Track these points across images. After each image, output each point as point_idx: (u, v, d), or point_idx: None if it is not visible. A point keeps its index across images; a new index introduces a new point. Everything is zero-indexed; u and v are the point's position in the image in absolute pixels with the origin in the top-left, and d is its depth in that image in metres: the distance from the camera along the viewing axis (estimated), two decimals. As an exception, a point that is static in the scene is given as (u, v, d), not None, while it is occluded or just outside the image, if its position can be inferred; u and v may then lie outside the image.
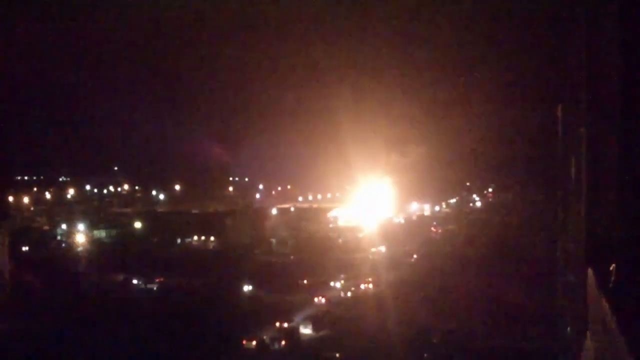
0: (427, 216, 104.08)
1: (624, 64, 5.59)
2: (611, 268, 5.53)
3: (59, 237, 70.97)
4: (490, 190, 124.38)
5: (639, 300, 5.40)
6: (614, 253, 5.67)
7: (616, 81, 5.82)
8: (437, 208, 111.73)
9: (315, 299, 46.08)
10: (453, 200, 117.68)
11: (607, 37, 6.08)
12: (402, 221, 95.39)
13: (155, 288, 55.81)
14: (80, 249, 66.99)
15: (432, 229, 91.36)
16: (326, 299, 51.71)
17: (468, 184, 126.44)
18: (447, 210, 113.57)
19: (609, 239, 5.79)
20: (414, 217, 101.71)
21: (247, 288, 54.23)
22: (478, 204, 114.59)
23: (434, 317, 42.97)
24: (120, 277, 56.63)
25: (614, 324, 5.00)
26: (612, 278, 5.48)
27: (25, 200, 79.27)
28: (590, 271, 6.08)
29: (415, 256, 68.36)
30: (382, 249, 71.25)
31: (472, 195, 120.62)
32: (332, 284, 56.14)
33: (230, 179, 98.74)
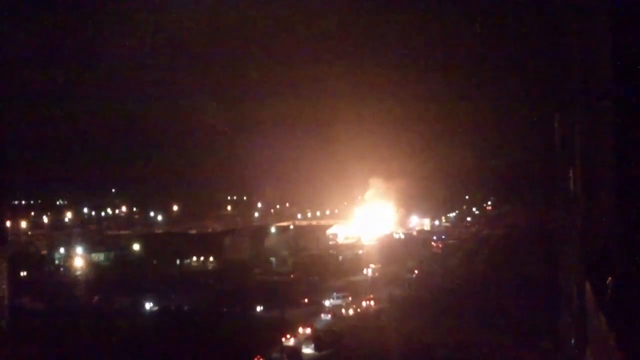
0: (427, 231, 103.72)
1: (617, 83, 5.50)
2: (608, 282, 5.39)
3: (57, 261, 70.59)
4: (489, 203, 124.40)
5: (635, 315, 5.26)
6: (612, 268, 5.52)
7: (610, 99, 5.72)
8: (437, 222, 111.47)
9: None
10: (453, 214, 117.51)
11: (600, 50, 5.98)
12: (402, 236, 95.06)
13: (155, 309, 55.37)
14: (78, 272, 66.59)
15: (433, 243, 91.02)
16: (331, 315, 51.40)
17: (467, 197, 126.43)
18: (447, 224, 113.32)
19: (606, 253, 5.64)
20: (414, 232, 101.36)
21: (249, 307, 53.79)
22: (478, 217, 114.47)
23: (437, 333, 42.56)
24: (120, 299, 56.18)
25: (612, 339, 4.89)
26: (609, 292, 5.33)
27: (24, 224, 79.02)
28: (588, 285, 5.93)
29: (416, 272, 67.93)
30: (383, 265, 70.81)
31: (471, 208, 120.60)
32: (332, 301, 55.68)
33: (229, 197, 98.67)
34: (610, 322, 5.11)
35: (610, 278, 5.30)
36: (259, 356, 40.35)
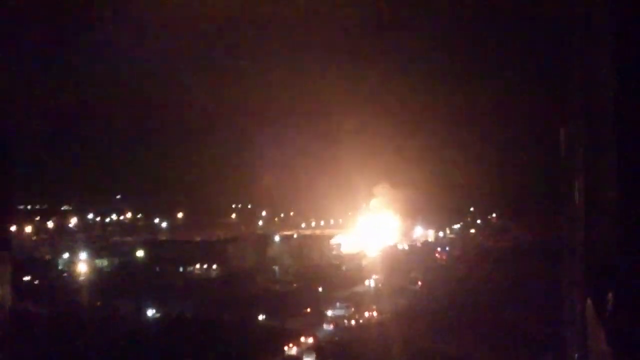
0: (431, 242, 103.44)
1: (619, 90, 5.48)
2: (609, 298, 5.34)
3: (61, 267, 70.69)
4: (494, 215, 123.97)
5: (636, 332, 5.20)
6: (613, 282, 5.48)
7: (612, 105, 5.70)
8: (441, 234, 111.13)
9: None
10: (457, 226, 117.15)
11: (603, 60, 5.95)
12: (406, 247, 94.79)
13: (158, 316, 55.37)
14: (82, 278, 66.64)
15: (437, 255, 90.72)
16: (333, 325, 51.32)
17: (472, 209, 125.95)
18: (452, 235, 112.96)
19: (607, 267, 5.60)
20: (419, 244, 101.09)
21: (251, 316, 53.76)
22: (482, 229, 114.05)
23: (440, 345, 42.40)
24: (123, 305, 56.19)
25: (610, 357, 4.86)
26: (609, 308, 5.29)
27: (28, 229, 79.16)
28: (589, 301, 5.89)
29: (420, 283, 67.75)
30: (386, 275, 70.66)
31: (476, 220, 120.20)
32: (335, 311, 55.58)
33: (233, 206, 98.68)
34: (609, 338, 5.08)
35: (610, 294, 5.26)
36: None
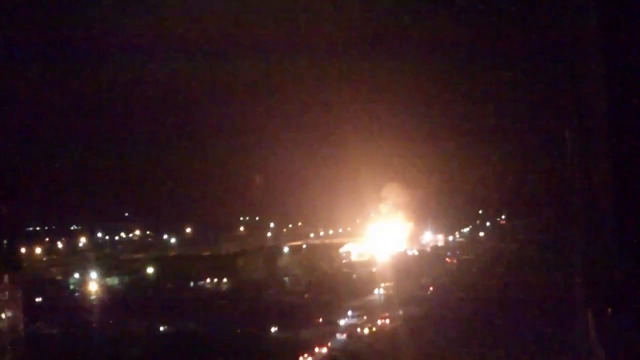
0: (441, 247, 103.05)
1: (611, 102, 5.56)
2: (608, 312, 5.37)
3: (72, 286, 70.89)
4: (503, 217, 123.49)
5: (632, 344, 5.24)
6: (612, 297, 5.51)
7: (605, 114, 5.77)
8: (450, 238, 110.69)
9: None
10: (466, 230, 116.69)
11: (596, 70, 6.02)
12: (416, 253, 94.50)
13: (170, 332, 55.39)
14: (93, 297, 66.80)
15: (447, 259, 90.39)
16: (346, 335, 51.22)
17: (481, 212, 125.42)
18: (461, 239, 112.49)
19: (607, 282, 5.63)
20: (428, 249, 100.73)
21: (263, 328, 53.69)
22: (491, 232, 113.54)
23: (453, 351, 42.19)
24: (134, 323, 56.23)
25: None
26: (608, 321, 5.32)
27: (38, 250, 79.49)
28: (589, 313, 5.93)
29: (431, 289, 67.52)
30: (397, 282, 70.45)
31: (485, 223, 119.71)
32: (348, 320, 55.46)
33: (241, 219, 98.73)
34: (607, 352, 5.13)
35: (609, 308, 5.28)
36: None
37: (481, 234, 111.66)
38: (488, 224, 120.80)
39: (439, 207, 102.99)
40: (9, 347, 46.63)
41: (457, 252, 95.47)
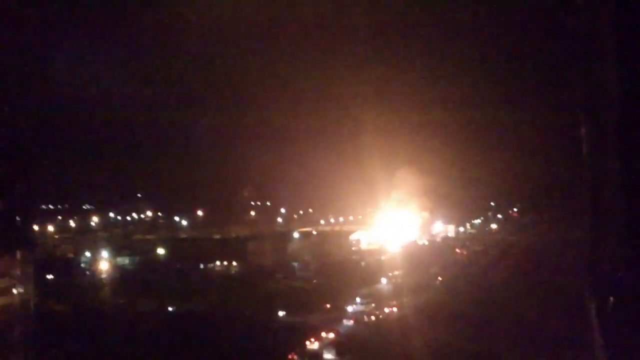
0: (451, 237, 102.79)
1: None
2: (610, 301, 5.37)
3: (83, 265, 71.54)
4: (515, 209, 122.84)
5: (630, 336, 5.25)
6: (615, 287, 5.51)
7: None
8: (461, 229, 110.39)
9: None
10: (478, 221, 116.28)
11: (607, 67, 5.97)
12: (426, 243, 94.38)
13: (179, 313, 55.74)
14: (104, 276, 67.41)
15: (457, 250, 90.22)
16: (354, 321, 51.32)
17: (492, 203, 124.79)
18: (472, 231, 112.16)
19: (611, 272, 5.62)
20: (438, 239, 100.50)
21: (271, 312, 53.94)
22: (503, 224, 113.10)
23: (460, 341, 42.19)
24: (145, 302, 56.64)
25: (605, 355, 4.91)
26: (609, 312, 5.32)
27: (51, 228, 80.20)
28: (593, 303, 5.92)
29: (440, 279, 67.45)
30: (406, 271, 70.41)
31: (497, 215, 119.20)
32: (356, 307, 55.55)
33: (252, 203, 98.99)
34: (606, 343, 5.17)
35: (611, 298, 5.32)
36: (293, 353, 40.61)
37: (493, 226, 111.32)
38: (500, 216, 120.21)
39: (450, 198, 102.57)
40: (19, 323, 47.16)
41: (467, 244, 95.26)
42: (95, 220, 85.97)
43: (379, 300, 57.55)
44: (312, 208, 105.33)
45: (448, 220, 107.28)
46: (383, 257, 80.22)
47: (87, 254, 73.17)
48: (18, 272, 49.33)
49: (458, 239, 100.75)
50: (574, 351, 32.35)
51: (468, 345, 40.75)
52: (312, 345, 43.46)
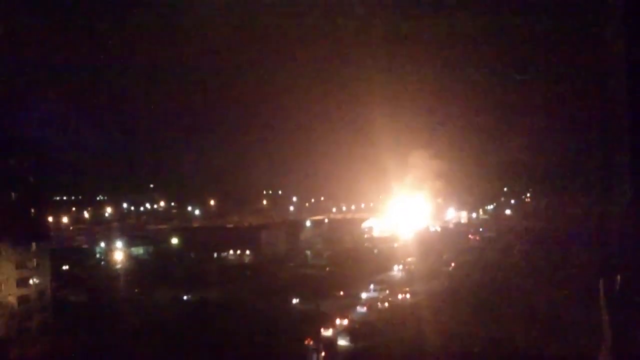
0: (464, 224, 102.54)
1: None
2: (617, 279, 5.49)
3: (98, 255, 72.13)
4: (528, 195, 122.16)
5: (635, 310, 5.36)
6: (622, 266, 5.62)
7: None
8: (474, 215, 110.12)
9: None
10: (491, 207, 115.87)
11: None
12: (439, 229, 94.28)
13: (195, 301, 56.06)
14: (118, 266, 67.91)
15: (470, 236, 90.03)
16: (367, 308, 51.41)
17: (506, 189, 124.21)
18: (485, 217, 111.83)
19: (618, 252, 5.72)
20: (451, 225, 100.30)
21: (285, 300, 54.14)
22: (516, 209, 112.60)
23: (473, 327, 42.13)
24: (160, 292, 56.99)
25: (610, 332, 5.03)
26: (617, 289, 5.44)
27: (65, 219, 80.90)
28: (601, 282, 6.04)
29: (453, 265, 67.36)
30: (419, 258, 70.39)
31: (510, 200, 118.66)
32: (368, 294, 55.67)
33: (264, 192, 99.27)
34: (612, 319, 5.29)
35: (619, 276, 5.43)
36: (309, 338, 40.78)
37: (507, 211, 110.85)
38: (513, 201, 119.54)
39: (463, 185, 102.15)
40: (36, 313, 47.74)
41: (480, 230, 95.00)
42: (109, 211, 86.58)
43: (392, 287, 57.58)
44: (323, 196, 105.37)
45: (461, 207, 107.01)
46: (395, 245, 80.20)
47: (102, 244, 73.78)
48: (34, 263, 50.02)
49: (471, 225, 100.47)
50: (584, 334, 32.28)
51: (481, 331, 40.70)
52: (327, 331, 43.61)
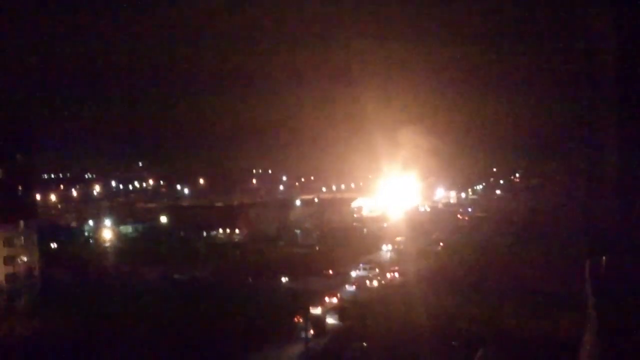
0: (453, 203, 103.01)
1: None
2: (602, 261, 5.52)
3: (86, 233, 71.91)
4: (517, 175, 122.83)
5: (618, 290, 5.40)
6: (608, 248, 5.66)
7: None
8: (463, 195, 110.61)
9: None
10: (480, 187, 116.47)
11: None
12: (428, 209, 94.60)
13: (184, 280, 56.03)
14: (107, 244, 67.73)
15: (459, 216, 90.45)
16: (356, 287, 51.59)
17: (495, 169, 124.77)
18: (474, 197, 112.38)
19: (605, 235, 5.75)
20: (440, 205, 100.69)
21: (274, 278, 54.23)
22: (505, 189, 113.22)
23: (460, 306, 42.41)
24: (148, 270, 56.88)
25: (593, 307, 5.04)
26: (602, 270, 5.48)
27: (53, 198, 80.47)
28: (588, 263, 6.06)
29: (441, 244, 67.72)
30: (408, 237, 70.67)
31: (499, 181, 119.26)
32: (357, 273, 55.86)
33: (254, 171, 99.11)
34: (596, 298, 5.34)
35: (604, 257, 5.49)
36: (298, 316, 40.82)
37: (498, 192, 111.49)
38: (502, 181, 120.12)
39: (452, 165, 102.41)
40: (24, 291, 47.57)
41: (469, 210, 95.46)
42: (97, 189, 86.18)
43: (382, 266, 57.81)
44: (313, 176, 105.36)
45: (450, 187, 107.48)
46: (385, 224, 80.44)
47: (91, 222, 73.50)
48: (22, 241, 49.69)
49: (460, 205, 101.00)
50: (570, 312, 32.58)
51: (469, 310, 40.96)
52: (315, 310, 43.68)
